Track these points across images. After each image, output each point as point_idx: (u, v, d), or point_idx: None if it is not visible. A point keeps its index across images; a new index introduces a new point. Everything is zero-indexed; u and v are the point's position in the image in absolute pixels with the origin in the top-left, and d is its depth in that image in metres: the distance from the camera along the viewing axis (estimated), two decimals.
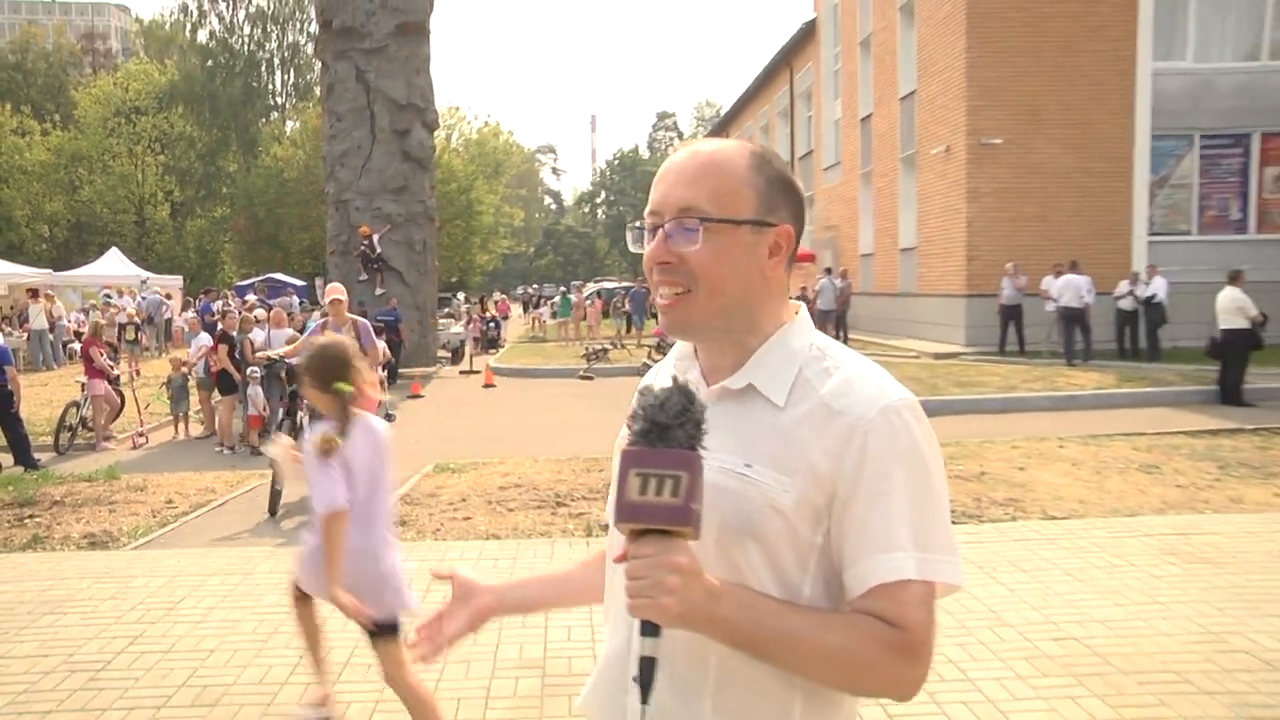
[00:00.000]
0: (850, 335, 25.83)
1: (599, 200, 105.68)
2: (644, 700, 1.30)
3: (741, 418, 1.44)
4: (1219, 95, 22.52)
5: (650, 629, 1.29)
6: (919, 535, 1.37)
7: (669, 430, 1.27)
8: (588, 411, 15.37)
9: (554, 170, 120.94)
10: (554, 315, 35.46)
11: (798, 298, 1.59)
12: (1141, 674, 4.58)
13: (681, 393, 1.30)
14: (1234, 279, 14.53)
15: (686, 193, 1.46)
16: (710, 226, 1.44)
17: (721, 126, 55.65)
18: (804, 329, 1.54)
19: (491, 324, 32.48)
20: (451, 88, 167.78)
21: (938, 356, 20.68)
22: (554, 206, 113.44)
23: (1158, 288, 19.34)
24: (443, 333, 26.36)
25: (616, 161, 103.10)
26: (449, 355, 25.67)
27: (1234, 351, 14.20)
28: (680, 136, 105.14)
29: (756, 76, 43.38)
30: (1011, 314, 20.37)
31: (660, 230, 1.47)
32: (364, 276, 21.92)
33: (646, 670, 1.29)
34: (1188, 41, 22.57)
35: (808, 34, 36.01)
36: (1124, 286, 19.80)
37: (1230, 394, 14.22)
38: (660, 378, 1.58)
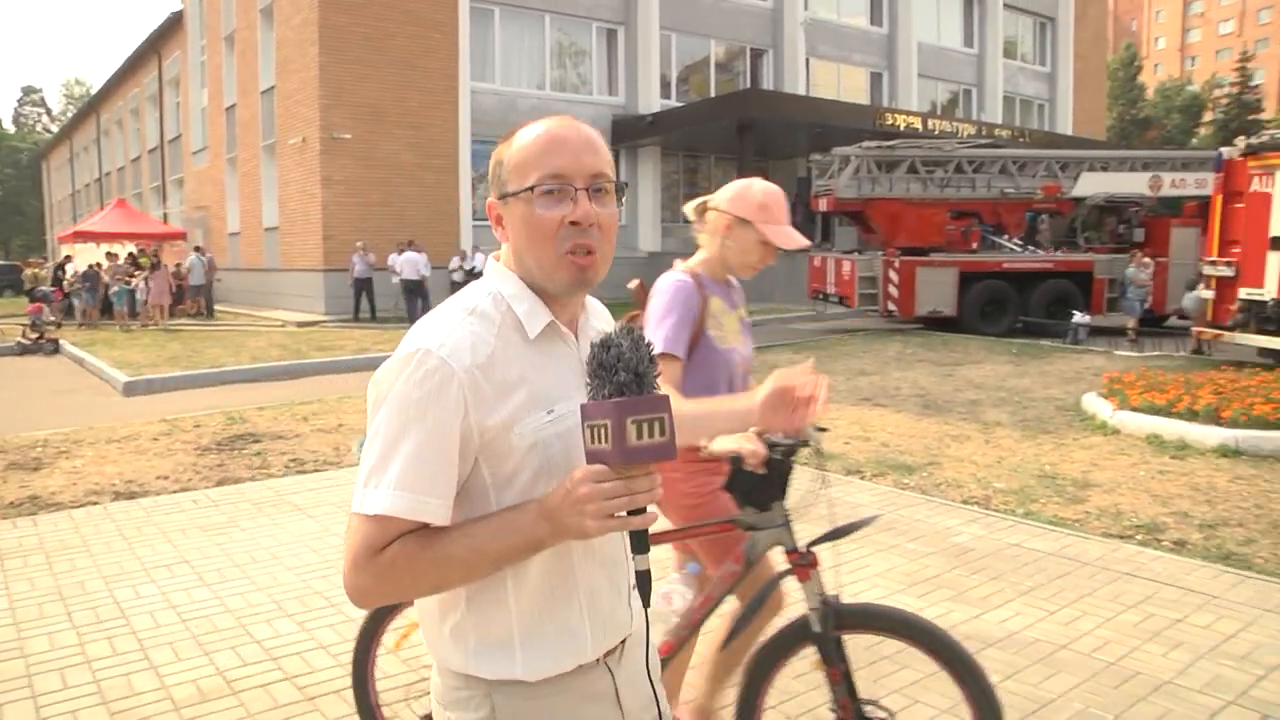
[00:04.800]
0: (217, 307, 24.60)
1: None
2: (646, 604, 1.38)
3: None
4: (520, 113, 24.61)
5: (642, 547, 1.34)
6: None
7: (644, 377, 1.29)
8: None
9: None
10: None
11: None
12: None
13: (646, 342, 1.31)
14: None
15: (595, 160, 1.42)
16: (612, 191, 1.45)
17: (92, 106, 49.35)
18: None
19: None
20: None
21: (301, 325, 20.35)
22: None
23: (480, 262, 20.76)
24: None
25: None
26: None
27: None
28: (49, 113, 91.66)
29: (126, 60, 39.13)
30: (363, 286, 20.62)
31: (583, 192, 1.40)
32: None
33: (645, 581, 1.35)
34: (496, 69, 24.53)
35: (175, 24, 33.23)
36: (455, 261, 20.96)
37: None
38: (593, 331, 1.51)
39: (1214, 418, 7.97)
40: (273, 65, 24.61)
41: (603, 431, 1.26)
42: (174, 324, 21.40)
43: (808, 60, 29.83)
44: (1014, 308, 18.19)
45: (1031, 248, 19.58)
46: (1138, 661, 3.84)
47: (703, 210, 2.99)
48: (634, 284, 3.03)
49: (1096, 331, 16.99)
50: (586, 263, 1.42)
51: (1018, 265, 18.51)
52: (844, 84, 31.04)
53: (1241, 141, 12.97)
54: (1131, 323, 16.62)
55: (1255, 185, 12.44)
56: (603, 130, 22.21)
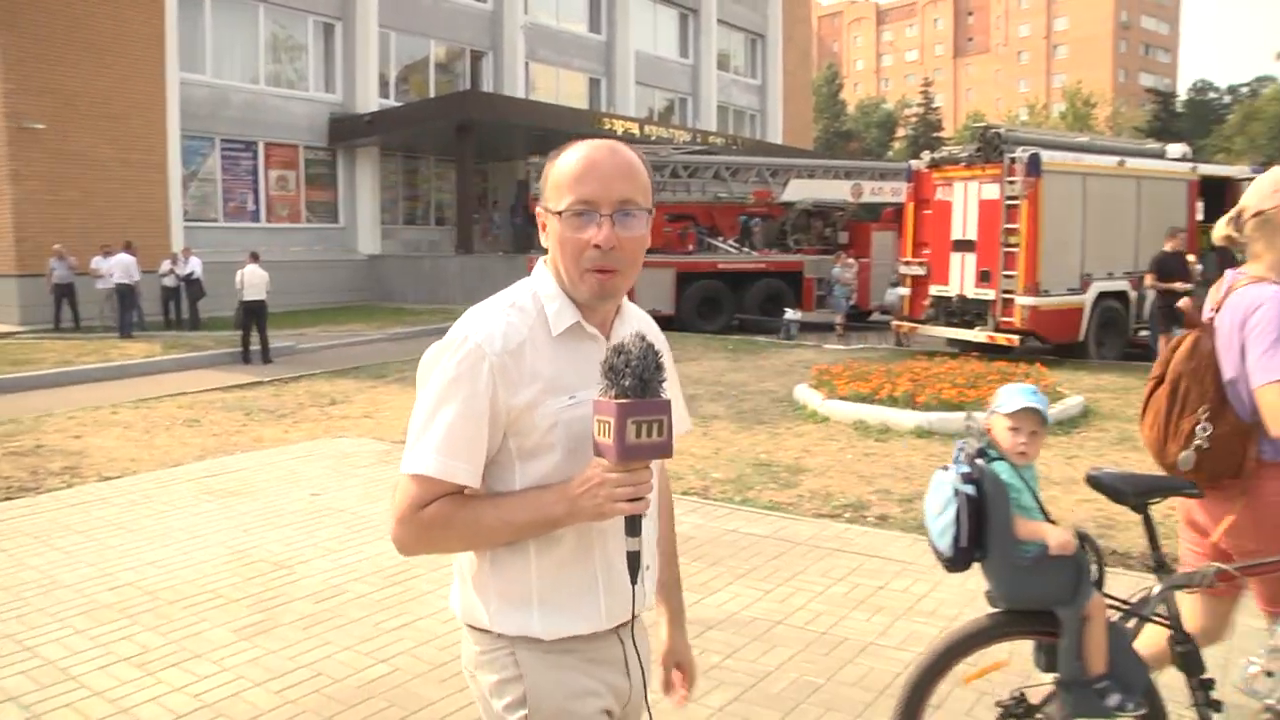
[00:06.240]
0: None
1: None
2: (634, 581, 1.56)
3: None
4: (234, 107, 23.55)
5: (635, 530, 1.52)
6: None
7: (649, 384, 1.44)
8: None
9: None
10: None
11: None
12: (185, 599, 4.62)
13: (654, 351, 1.47)
14: (254, 258, 15.32)
15: (625, 187, 1.56)
16: (641, 215, 1.58)
17: None
18: None
19: None
20: None
21: None
22: None
23: (195, 266, 19.50)
24: None
25: None
26: None
27: (254, 318, 14.72)
28: None
29: None
30: (64, 293, 18.70)
31: (607, 218, 1.54)
32: None
33: (634, 560, 1.54)
34: (207, 60, 23.10)
35: None
36: (166, 265, 19.56)
37: (252, 355, 14.73)
38: (622, 335, 1.58)
39: (910, 403, 8.74)
40: None
41: (607, 427, 1.44)
42: None
43: (527, 64, 30.04)
44: (729, 306, 19.20)
45: (745, 249, 20.70)
46: (845, 629, 4.17)
47: (1236, 219, 2.66)
48: (1185, 302, 2.80)
49: (807, 327, 18.20)
50: (607, 278, 1.58)
51: (732, 266, 19.55)
52: (563, 88, 31.47)
53: (926, 155, 14.31)
54: (839, 318, 17.93)
55: (939, 194, 13.77)
56: (319, 129, 21.17)
